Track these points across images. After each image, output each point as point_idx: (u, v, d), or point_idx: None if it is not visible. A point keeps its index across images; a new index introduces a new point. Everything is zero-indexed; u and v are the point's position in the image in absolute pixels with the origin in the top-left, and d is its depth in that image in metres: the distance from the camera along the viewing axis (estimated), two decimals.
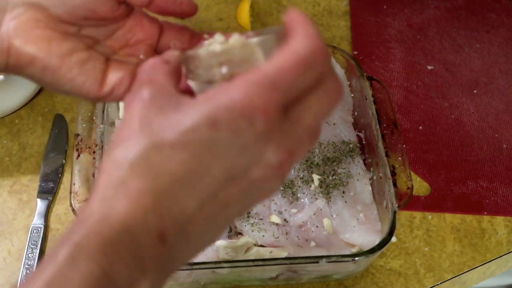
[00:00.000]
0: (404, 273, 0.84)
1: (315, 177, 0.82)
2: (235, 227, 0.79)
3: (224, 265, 0.72)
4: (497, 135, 0.98)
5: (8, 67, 0.53)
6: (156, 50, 0.59)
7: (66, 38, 0.54)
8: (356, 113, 0.91)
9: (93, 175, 0.78)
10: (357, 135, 0.89)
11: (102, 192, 0.42)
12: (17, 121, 0.98)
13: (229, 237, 0.78)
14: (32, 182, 0.91)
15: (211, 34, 0.56)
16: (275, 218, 0.79)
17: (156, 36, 0.58)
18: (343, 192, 0.81)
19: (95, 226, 0.41)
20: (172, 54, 0.50)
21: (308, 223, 0.79)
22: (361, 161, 0.85)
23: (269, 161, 0.42)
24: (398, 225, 0.87)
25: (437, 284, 0.83)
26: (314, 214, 0.79)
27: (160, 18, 0.59)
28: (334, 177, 0.82)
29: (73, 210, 0.76)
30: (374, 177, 0.83)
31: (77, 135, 0.83)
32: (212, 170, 0.42)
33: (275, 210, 0.80)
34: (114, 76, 0.55)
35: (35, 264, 0.82)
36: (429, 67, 1.07)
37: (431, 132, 0.98)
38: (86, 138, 0.82)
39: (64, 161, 0.93)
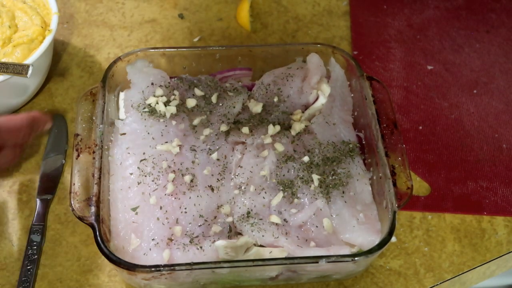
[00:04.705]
0: (404, 273, 0.84)
1: (315, 177, 0.81)
2: (235, 227, 0.79)
3: (224, 265, 0.72)
4: (497, 135, 0.98)
5: None
6: None
7: None
8: (356, 113, 0.91)
9: (93, 175, 0.78)
10: (357, 135, 0.89)
11: None
12: None
13: (229, 237, 0.78)
14: (32, 182, 0.91)
15: None
16: (275, 218, 0.78)
17: None
18: (343, 192, 0.81)
19: None
20: None
21: (308, 223, 0.79)
22: (361, 161, 0.85)
23: None
24: (398, 225, 0.87)
25: (437, 284, 0.83)
26: (314, 214, 0.79)
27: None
28: (334, 177, 0.82)
29: (72, 210, 0.76)
30: (374, 177, 0.83)
31: (77, 135, 0.83)
32: None
33: (275, 210, 0.80)
34: None
35: (34, 264, 0.82)
36: (429, 67, 1.07)
37: (431, 132, 0.98)
38: (86, 138, 0.82)
39: (64, 161, 0.93)
